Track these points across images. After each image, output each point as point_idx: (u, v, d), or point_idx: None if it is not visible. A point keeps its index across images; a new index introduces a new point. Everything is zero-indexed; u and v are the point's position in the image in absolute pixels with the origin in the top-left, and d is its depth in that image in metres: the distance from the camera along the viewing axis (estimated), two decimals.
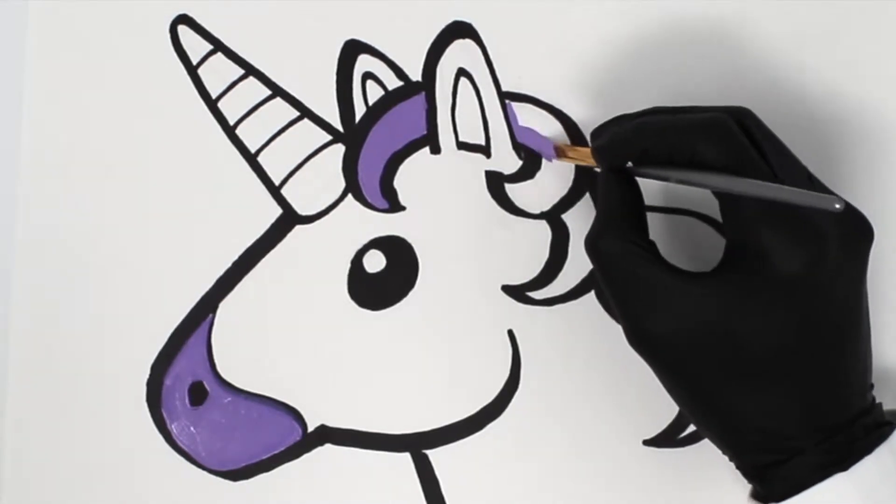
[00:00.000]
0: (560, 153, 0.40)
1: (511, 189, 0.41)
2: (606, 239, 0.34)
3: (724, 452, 0.35)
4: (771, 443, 0.33)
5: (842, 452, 0.32)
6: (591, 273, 0.41)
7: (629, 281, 0.34)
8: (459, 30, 0.42)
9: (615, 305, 0.35)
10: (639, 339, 0.34)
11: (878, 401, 0.35)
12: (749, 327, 0.32)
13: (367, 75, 0.42)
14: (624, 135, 0.35)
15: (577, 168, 0.41)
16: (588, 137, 0.41)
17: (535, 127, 0.41)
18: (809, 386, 0.33)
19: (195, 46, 0.42)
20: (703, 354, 0.33)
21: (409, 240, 0.42)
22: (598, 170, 0.38)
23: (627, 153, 0.35)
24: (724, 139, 0.33)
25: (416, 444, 0.41)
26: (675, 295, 0.33)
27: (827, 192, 0.33)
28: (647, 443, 0.41)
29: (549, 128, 0.41)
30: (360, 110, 0.42)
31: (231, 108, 0.42)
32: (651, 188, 0.41)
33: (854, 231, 0.33)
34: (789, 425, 0.33)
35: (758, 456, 0.34)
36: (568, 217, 0.41)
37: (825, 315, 0.32)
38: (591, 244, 0.35)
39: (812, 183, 0.34)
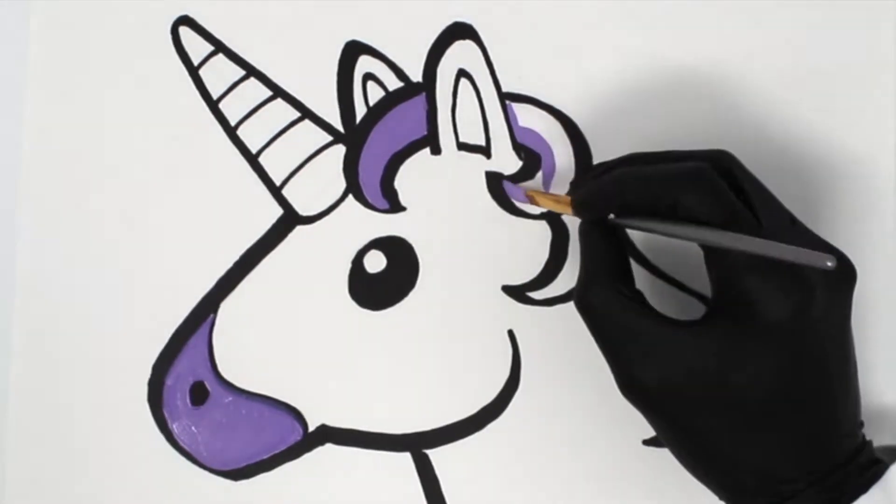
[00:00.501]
0: (533, 200, 0.40)
1: (511, 189, 0.41)
2: (593, 291, 0.35)
3: (720, 497, 0.35)
4: (766, 487, 0.33)
5: (837, 493, 0.32)
6: None
7: (618, 331, 0.34)
8: (460, 31, 0.42)
9: (606, 356, 0.35)
10: (630, 389, 0.34)
11: (867, 438, 0.35)
12: (740, 374, 0.32)
13: (368, 76, 0.42)
14: (604, 187, 0.35)
15: (578, 168, 0.41)
16: (588, 137, 0.41)
17: (536, 128, 0.41)
18: (802, 428, 0.33)
19: (196, 47, 0.42)
20: (695, 402, 0.33)
21: (410, 240, 0.42)
22: (565, 217, 0.38)
23: (608, 206, 0.35)
24: (706, 190, 0.33)
25: (417, 444, 0.42)
26: (665, 344, 0.33)
27: (811, 237, 0.34)
28: (646, 443, 0.41)
29: (550, 127, 0.41)
30: (360, 111, 0.42)
31: (232, 108, 0.42)
32: None
33: (839, 274, 0.33)
34: (784, 469, 0.33)
35: (754, 500, 0.34)
36: (568, 217, 0.41)
37: (814, 358, 0.33)
38: (580, 298, 0.35)
39: (795, 227, 0.34)
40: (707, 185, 0.33)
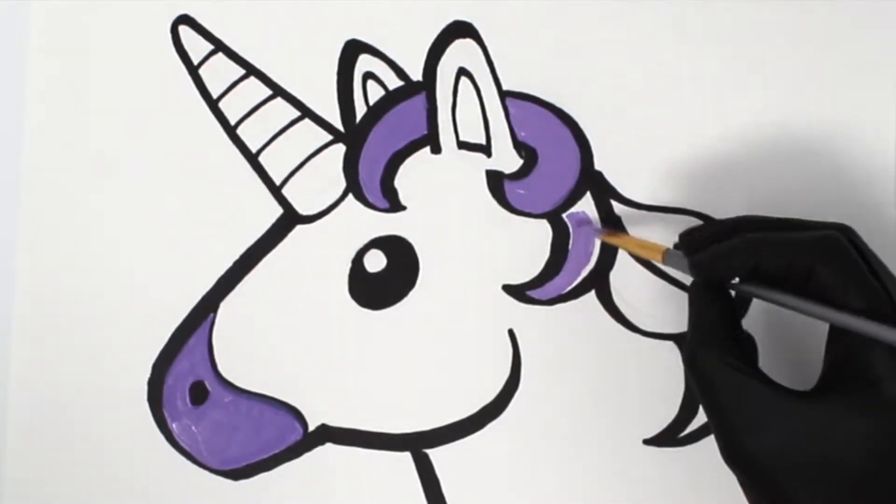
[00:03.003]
0: (610, 242, 0.40)
1: (511, 188, 0.41)
2: (705, 354, 0.33)
3: None
4: None
5: None
6: (592, 273, 0.41)
7: (729, 397, 0.33)
8: (460, 29, 0.42)
9: (713, 421, 0.33)
10: (736, 457, 0.33)
11: None
12: (854, 450, 0.31)
13: (368, 75, 0.42)
14: (734, 251, 0.34)
15: (582, 167, 0.41)
16: (589, 136, 0.41)
17: (537, 126, 0.41)
18: None
19: (196, 47, 0.42)
20: (805, 476, 0.32)
21: (410, 239, 0.42)
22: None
23: (735, 269, 0.34)
24: (842, 262, 0.32)
25: (417, 444, 0.42)
26: (778, 414, 0.32)
27: None
28: (647, 442, 0.41)
29: (551, 126, 0.41)
30: (360, 110, 0.42)
31: (232, 108, 0.42)
32: (652, 184, 0.41)
33: None
34: None
35: None
36: (568, 217, 0.41)
37: None
38: (690, 360, 0.34)
39: None
40: (844, 258, 0.32)
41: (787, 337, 0.40)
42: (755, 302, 0.41)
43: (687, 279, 0.40)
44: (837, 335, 0.33)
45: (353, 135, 0.42)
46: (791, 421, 0.32)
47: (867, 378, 0.31)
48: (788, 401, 0.32)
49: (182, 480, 0.42)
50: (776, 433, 0.32)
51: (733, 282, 0.35)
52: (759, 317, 0.41)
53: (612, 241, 0.40)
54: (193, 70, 0.42)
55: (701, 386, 0.34)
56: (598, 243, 0.41)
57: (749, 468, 0.32)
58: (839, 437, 0.31)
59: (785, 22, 0.41)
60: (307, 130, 0.42)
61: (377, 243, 0.42)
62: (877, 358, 0.31)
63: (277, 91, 0.42)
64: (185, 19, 0.42)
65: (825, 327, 0.34)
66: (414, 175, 0.42)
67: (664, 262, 0.37)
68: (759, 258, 0.33)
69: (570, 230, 0.41)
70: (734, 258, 0.34)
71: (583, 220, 0.41)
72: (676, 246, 0.37)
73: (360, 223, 0.42)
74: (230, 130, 0.42)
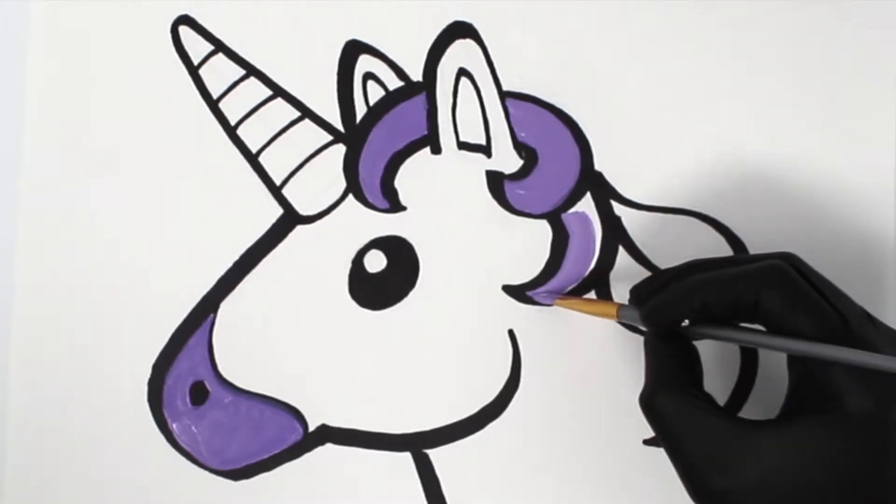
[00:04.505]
0: (567, 306, 0.40)
1: (511, 188, 0.41)
2: (661, 396, 0.33)
3: None
4: None
5: None
6: (592, 273, 0.41)
7: (690, 437, 0.32)
8: (460, 30, 0.42)
9: (677, 463, 0.33)
10: (703, 497, 0.32)
11: None
12: (826, 470, 0.31)
13: (368, 75, 0.42)
14: (678, 294, 0.34)
15: (582, 168, 0.41)
16: (589, 136, 0.41)
17: (537, 127, 0.41)
18: None
19: (196, 47, 0.42)
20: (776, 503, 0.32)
21: (410, 240, 0.42)
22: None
23: (683, 313, 0.34)
24: (788, 287, 0.32)
25: (417, 444, 0.42)
26: (744, 448, 0.32)
27: (888, 331, 0.33)
28: (647, 442, 0.41)
29: (551, 126, 0.41)
30: (360, 110, 0.42)
31: (232, 108, 0.42)
32: (650, 187, 0.41)
33: None
34: None
35: None
36: (568, 217, 0.41)
37: None
38: (647, 403, 0.34)
39: (874, 322, 0.33)
40: (788, 284, 0.32)
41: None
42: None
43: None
44: (795, 360, 0.33)
45: (353, 135, 0.42)
46: (757, 453, 0.31)
47: (829, 397, 0.31)
48: (755, 434, 0.32)
49: (182, 480, 0.42)
50: (746, 469, 0.31)
51: (683, 325, 0.35)
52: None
53: (566, 305, 0.40)
54: (193, 70, 0.42)
55: (661, 428, 0.33)
56: (598, 244, 0.41)
57: None
58: (809, 461, 0.31)
59: (785, 22, 0.41)
60: (307, 130, 0.42)
61: (377, 243, 0.42)
62: (835, 376, 0.31)
63: (277, 91, 0.42)
64: (185, 19, 0.42)
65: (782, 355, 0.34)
66: (414, 175, 0.42)
67: (619, 319, 0.37)
68: (703, 297, 0.33)
69: (570, 230, 0.41)
70: (679, 301, 0.34)
71: (540, 294, 0.41)
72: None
73: (360, 223, 0.42)
74: (230, 131, 0.42)
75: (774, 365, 0.40)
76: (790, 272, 0.33)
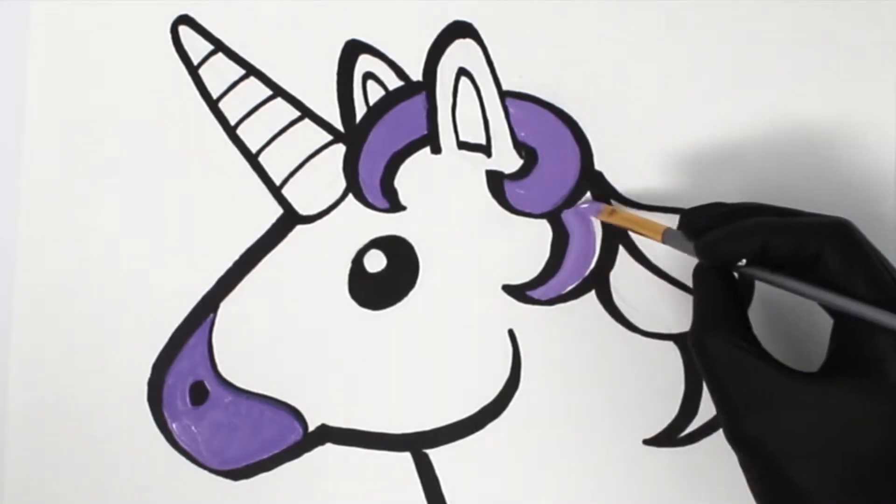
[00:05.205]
0: (609, 220, 0.40)
1: (511, 188, 0.41)
2: (711, 335, 0.33)
3: None
4: None
5: None
6: (592, 273, 0.41)
7: (734, 377, 0.32)
8: (460, 29, 0.42)
9: (716, 400, 0.33)
10: (739, 437, 0.32)
11: None
12: (861, 435, 0.31)
13: (368, 75, 0.42)
14: (742, 231, 0.34)
15: (582, 167, 0.41)
16: (589, 135, 0.41)
17: (537, 126, 0.41)
18: None
19: (196, 47, 0.42)
20: (809, 457, 0.31)
21: (410, 240, 0.42)
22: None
23: (744, 251, 0.34)
24: (851, 247, 0.32)
25: (417, 444, 0.41)
26: (783, 395, 0.32)
27: None
28: (647, 442, 0.41)
29: (551, 126, 0.41)
30: (360, 110, 0.42)
31: (232, 108, 0.42)
32: (652, 185, 0.41)
33: None
34: None
35: None
36: (568, 217, 0.41)
37: None
38: (698, 341, 0.34)
39: None
40: (853, 244, 0.32)
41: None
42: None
43: (686, 274, 0.40)
44: (843, 320, 0.33)
45: (353, 135, 0.42)
46: (797, 402, 0.32)
47: (873, 362, 0.31)
48: (795, 382, 0.32)
49: (182, 480, 0.42)
50: (781, 414, 0.32)
51: (739, 265, 0.34)
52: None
53: (611, 220, 0.40)
54: (193, 70, 0.42)
55: (707, 366, 0.33)
56: (598, 244, 0.41)
57: (752, 449, 0.32)
58: (845, 420, 0.31)
59: (785, 21, 0.41)
60: (307, 130, 0.42)
61: (377, 243, 0.42)
62: (882, 341, 0.31)
63: (277, 91, 0.42)
64: (185, 19, 0.42)
65: (823, 313, 0.34)
66: (414, 175, 0.42)
67: (664, 241, 0.37)
68: (768, 240, 0.33)
69: (570, 230, 0.41)
70: (743, 240, 0.33)
71: (583, 207, 0.41)
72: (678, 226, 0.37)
73: (360, 223, 0.42)
74: (230, 130, 0.42)
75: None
76: (858, 232, 0.32)
